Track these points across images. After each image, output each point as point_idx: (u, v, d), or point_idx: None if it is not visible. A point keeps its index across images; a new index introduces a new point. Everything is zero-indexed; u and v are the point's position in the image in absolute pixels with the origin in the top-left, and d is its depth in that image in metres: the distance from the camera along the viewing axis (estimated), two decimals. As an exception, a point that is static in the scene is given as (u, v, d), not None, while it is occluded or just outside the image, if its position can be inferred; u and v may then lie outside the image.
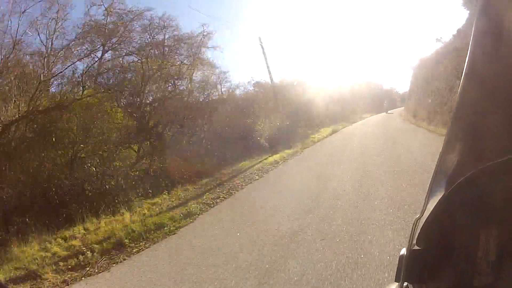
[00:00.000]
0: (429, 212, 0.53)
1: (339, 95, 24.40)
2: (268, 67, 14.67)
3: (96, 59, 11.54)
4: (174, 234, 5.21)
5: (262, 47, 14.49)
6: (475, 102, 0.48)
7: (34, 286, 4.01)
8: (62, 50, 10.51)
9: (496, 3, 0.47)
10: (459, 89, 0.49)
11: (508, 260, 0.47)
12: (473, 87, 0.49)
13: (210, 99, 15.07)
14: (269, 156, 11.15)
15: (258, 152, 11.93)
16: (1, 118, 7.86)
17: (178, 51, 13.75)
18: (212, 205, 6.58)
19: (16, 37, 9.13)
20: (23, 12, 9.47)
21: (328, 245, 3.55)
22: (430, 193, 0.56)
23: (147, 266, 4.13)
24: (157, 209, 6.88)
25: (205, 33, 14.18)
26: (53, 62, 10.25)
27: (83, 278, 4.08)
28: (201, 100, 14.69)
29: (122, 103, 11.40)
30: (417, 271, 0.60)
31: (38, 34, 10.03)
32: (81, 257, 4.54)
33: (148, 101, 12.20)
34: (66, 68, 10.52)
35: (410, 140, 11.00)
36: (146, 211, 6.74)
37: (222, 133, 12.84)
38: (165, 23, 13.06)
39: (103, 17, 11.79)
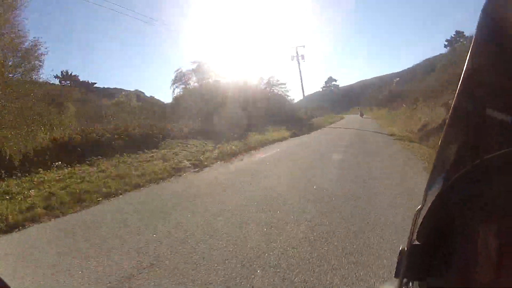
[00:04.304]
0: (428, 207, 0.52)
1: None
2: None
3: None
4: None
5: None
6: (476, 99, 0.47)
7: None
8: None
9: (499, 3, 0.45)
10: (459, 86, 0.48)
11: (509, 255, 0.46)
12: (475, 84, 0.47)
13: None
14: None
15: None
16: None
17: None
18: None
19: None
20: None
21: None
22: (429, 186, 0.54)
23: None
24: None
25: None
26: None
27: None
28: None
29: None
30: (417, 267, 0.57)
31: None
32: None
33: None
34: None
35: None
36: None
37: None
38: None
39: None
